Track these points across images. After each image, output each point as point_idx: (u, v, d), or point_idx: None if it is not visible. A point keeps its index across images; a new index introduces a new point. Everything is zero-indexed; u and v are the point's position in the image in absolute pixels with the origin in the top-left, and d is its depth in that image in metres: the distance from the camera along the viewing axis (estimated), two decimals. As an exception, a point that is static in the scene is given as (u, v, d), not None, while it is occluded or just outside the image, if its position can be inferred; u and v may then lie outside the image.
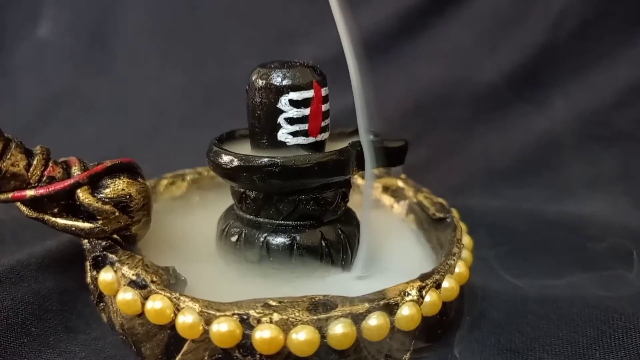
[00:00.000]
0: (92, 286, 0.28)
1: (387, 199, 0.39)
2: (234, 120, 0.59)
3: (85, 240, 0.27)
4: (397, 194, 0.39)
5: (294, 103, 0.28)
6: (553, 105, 0.52)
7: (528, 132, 0.52)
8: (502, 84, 0.53)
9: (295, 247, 0.29)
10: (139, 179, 0.27)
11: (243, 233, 0.30)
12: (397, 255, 0.33)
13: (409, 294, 0.26)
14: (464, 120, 0.53)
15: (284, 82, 0.28)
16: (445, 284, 0.28)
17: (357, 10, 0.56)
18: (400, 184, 0.39)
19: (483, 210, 0.44)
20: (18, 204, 0.25)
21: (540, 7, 0.53)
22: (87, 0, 0.65)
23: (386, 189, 0.40)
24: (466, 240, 0.33)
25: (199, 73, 0.63)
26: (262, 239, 0.29)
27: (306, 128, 0.29)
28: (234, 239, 0.30)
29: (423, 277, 0.27)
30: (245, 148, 0.31)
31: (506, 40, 0.53)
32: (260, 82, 0.28)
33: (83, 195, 0.25)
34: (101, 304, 0.28)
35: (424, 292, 0.26)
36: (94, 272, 0.27)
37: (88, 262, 0.27)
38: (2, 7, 0.66)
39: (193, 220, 0.37)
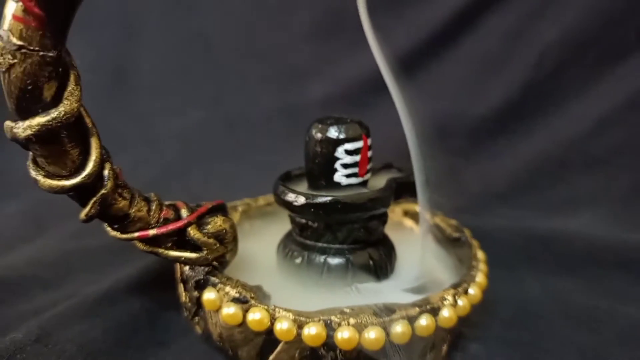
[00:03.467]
0: (188, 303, 0.35)
1: (408, 222, 0.47)
2: (254, 153, 0.66)
3: (187, 267, 0.34)
4: (416, 217, 0.47)
5: (348, 152, 0.35)
6: (537, 135, 0.59)
7: (517, 159, 0.59)
8: (492, 116, 0.60)
9: (349, 265, 0.36)
10: (229, 216, 0.34)
11: (306, 256, 0.37)
12: (425, 269, 0.40)
13: (447, 300, 0.33)
14: (461, 149, 0.60)
15: (340, 136, 0.35)
16: (471, 290, 0.35)
17: (364, 51, 0.64)
18: (418, 208, 0.46)
19: (484, 228, 0.51)
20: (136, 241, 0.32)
21: (523, 49, 0.60)
22: (107, 39, 0.69)
23: (406, 213, 0.47)
24: (480, 254, 0.40)
25: (218, 108, 0.69)
26: (322, 260, 0.36)
27: (357, 171, 0.36)
28: (298, 260, 0.37)
29: (455, 286, 0.34)
30: (302, 186, 0.38)
31: (495, 78, 0.61)
32: (320, 135, 0.35)
33: (193, 232, 0.31)
34: (196, 317, 0.35)
35: (457, 298, 0.33)
36: (195, 292, 0.33)
37: (189, 284, 0.34)
38: None
39: (247, 245, 0.43)
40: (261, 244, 0.41)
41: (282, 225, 0.43)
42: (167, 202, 0.33)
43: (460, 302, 0.33)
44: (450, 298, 0.33)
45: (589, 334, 0.38)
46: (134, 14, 0.70)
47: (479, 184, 0.58)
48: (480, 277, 0.36)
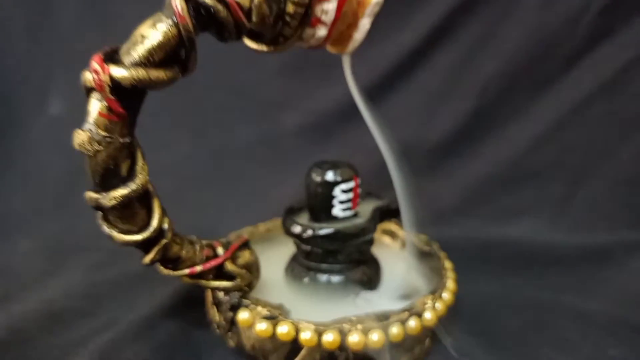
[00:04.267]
0: (222, 322, 0.42)
1: (385, 239, 0.56)
2: (238, 181, 0.73)
3: (221, 293, 0.42)
4: (392, 235, 0.56)
5: (343, 191, 0.44)
6: (484, 154, 0.69)
7: (467, 176, 0.69)
8: (445, 140, 0.70)
9: (348, 281, 0.45)
10: (253, 250, 0.42)
11: (312, 276, 0.45)
12: (407, 279, 0.49)
13: (427, 304, 0.42)
14: (419, 170, 0.69)
15: (336, 179, 0.44)
16: (445, 295, 0.44)
17: (329, 85, 0.72)
18: (393, 227, 0.56)
19: (443, 237, 0.60)
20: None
21: (468, 80, 0.70)
22: None
23: (384, 232, 0.56)
24: (448, 264, 0.49)
25: (203, 140, 0.76)
26: (326, 279, 0.45)
27: (350, 205, 0.45)
28: (305, 280, 0.45)
29: (432, 292, 0.43)
30: (304, 217, 0.47)
31: (445, 106, 0.70)
32: (319, 179, 0.44)
33: (229, 265, 0.39)
34: (229, 333, 0.42)
35: (435, 302, 0.43)
36: (230, 313, 0.41)
37: (223, 306, 0.41)
38: (14, 85, 0.74)
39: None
40: (270, 266, 0.49)
41: (283, 248, 0.51)
42: (204, 242, 0.40)
43: (438, 306, 0.42)
44: (430, 302, 0.42)
45: (538, 320, 0.48)
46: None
47: (436, 200, 0.67)
48: (451, 284, 0.46)
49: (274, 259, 0.50)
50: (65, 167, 0.72)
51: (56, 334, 0.46)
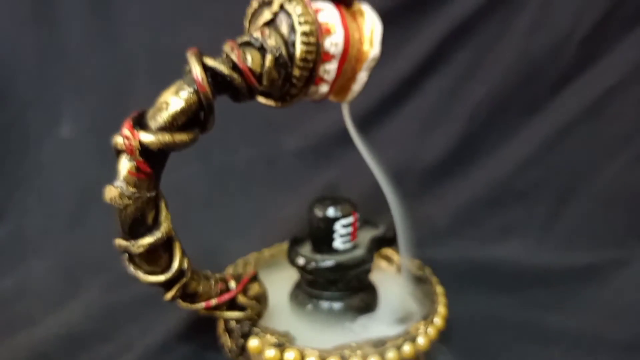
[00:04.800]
0: (234, 348, 0.46)
1: (382, 263, 0.60)
2: (242, 200, 0.77)
3: (233, 322, 0.46)
4: (388, 259, 0.60)
5: (343, 226, 0.48)
6: (474, 177, 0.73)
7: (459, 198, 0.72)
8: (436, 163, 0.73)
9: (348, 308, 0.49)
10: (261, 282, 0.46)
11: (315, 303, 0.49)
12: (402, 303, 0.53)
13: (420, 329, 0.46)
14: (412, 193, 0.73)
15: (337, 214, 0.48)
16: (437, 320, 0.48)
17: (329, 108, 0.76)
18: (389, 252, 0.60)
19: (435, 257, 0.64)
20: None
21: (458, 106, 0.74)
22: (100, 102, 0.76)
23: (381, 256, 0.60)
24: (439, 289, 0.53)
25: (204, 161, 0.80)
26: (327, 305, 0.49)
27: (350, 238, 0.49)
28: (309, 307, 0.49)
29: (424, 318, 0.48)
30: (306, 247, 0.51)
31: (437, 130, 0.74)
32: (321, 214, 0.48)
33: (241, 298, 0.43)
34: (240, 357, 0.46)
35: (427, 327, 0.47)
36: (241, 340, 0.45)
37: (235, 333, 0.45)
38: (24, 108, 0.76)
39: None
40: (275, 290, 0.52)
41: (286, 272, 0.55)
42: (218, 275, 0.44)
43: (430, 331, 0.46)
44: (422, 328, 0.46)
45: (524, 339, 0.52)
46: (122, 79, 0.79)
47: (429, 221, 0.71)
48: (442, 309, 0.50)
49: (279, 283, 0.54)
50: (76, 188, 0.75)
51: (77, 358, 0.49)
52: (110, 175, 0.77)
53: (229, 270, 0.55)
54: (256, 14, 0.40)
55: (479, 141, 0.74)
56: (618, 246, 0.67)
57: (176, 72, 0.82)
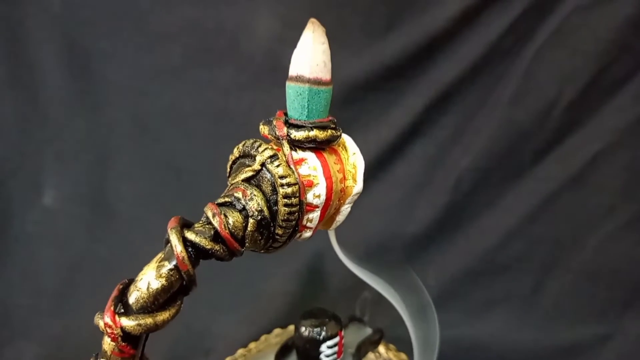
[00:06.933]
0: None
1: (370, 355, 0.60)
2: (229, 275, 0.76)
3: None
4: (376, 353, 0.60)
5: (329, 347, 0.48)
6: (457, 247, 0.74)
7: (444, 268, 0.74)
8: (421, 232, 0.74)
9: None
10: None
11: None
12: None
13: None
14: (398, 262, 0.74)
15: (322, 335, 0.48)
16: None
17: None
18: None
19: None
20: None
21: (443, 174, 0.74)
22: (82, 169, 0.76)
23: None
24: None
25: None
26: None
27: (336, 356, 0.49)
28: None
29: None
30: (293, 356, 0.51)
31: (421, 199, 0.75)
32: (307, 335, 0.48)
33: None
34: None
35: None
36: None
37: None
38: (6, 178, 0.75)
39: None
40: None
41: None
42: None
43: None
44: None
45: None
46: (104, 144, 0.79)
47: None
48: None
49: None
50: (62, 262, 0.75)
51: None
52: (95, 246, 0.76)
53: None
54: (237, 162, 0.40)
55: (463, 210, 0.75)
56: (600, 321, 0.68)
57: (158, 137, 0.81)
